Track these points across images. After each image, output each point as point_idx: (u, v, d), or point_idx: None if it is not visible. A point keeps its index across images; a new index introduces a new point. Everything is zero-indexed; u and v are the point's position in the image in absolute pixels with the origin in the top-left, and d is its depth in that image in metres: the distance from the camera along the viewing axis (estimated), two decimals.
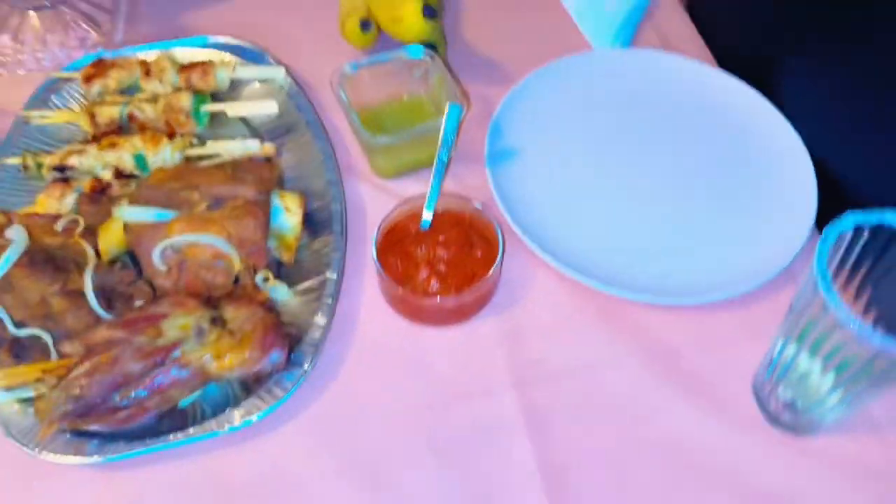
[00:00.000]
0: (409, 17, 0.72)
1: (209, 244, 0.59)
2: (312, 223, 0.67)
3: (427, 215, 0.63)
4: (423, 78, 0.73)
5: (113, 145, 0.66)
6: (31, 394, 0.55)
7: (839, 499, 0.56)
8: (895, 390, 0.59)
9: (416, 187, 0.69)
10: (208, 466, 0.56)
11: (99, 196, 0.65)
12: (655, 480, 0.57)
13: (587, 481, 0.56)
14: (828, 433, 0.58)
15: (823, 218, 0.68)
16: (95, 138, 0.68)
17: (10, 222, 0.61)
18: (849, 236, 0.50)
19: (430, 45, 0.75)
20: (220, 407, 0.57)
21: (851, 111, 0.70)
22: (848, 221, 0.50)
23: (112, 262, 0.61)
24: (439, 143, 0.65)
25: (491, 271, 0.61)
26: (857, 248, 0.51)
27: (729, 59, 0.81)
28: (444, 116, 0.65)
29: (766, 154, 0.74)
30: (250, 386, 0.58)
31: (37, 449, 0.54)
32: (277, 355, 0.57)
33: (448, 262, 0.62)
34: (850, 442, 0.58)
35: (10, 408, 0.55)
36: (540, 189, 0.71)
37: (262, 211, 0.62)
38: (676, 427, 0.59)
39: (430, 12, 0.71)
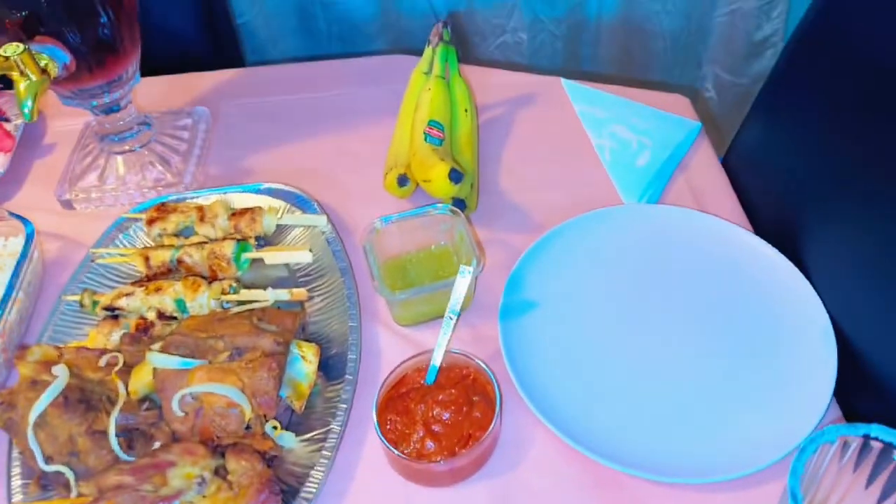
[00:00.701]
0: (437, 181, 0.75)
1: (223, 394, 0.62)
2: (329, 368, 0.69)
3: (431, 372, 0.65)
4: (449, 231, 0.75)
5: (158, 290, 0.71)
6: None
7: None
8: None
9: (434, 337, 0.71)
10: None
11: (141, 335, 0.70)
12: None
13: None
14: None
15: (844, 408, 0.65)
16: (149, 279, 0.74)
17: (60, 357, 0.67)
18: (834, 448, 0.48)
19: (459, 201, 0.77)
20: None
21: (876, 281, 0.66)
22: (830, 433, 0.47)
23: (141, 400, 0.65)
24: (449, 302, 0.66)
25: (484, 437, 0.61)
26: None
27: (760, 218, 0.79)
28: (457, 276, 0.67)
29: (786, 323, 0.70)
30: None
31: None
32: None
33: (445, 422, 0.63)
34: None
35: None
36: (550, 348, 0.71)
37: (278, 363, 0.64)
38: None
39: (456, 177, 0.74)
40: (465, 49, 1.52)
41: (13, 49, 0.65)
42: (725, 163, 0.88)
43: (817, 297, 0.70)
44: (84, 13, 0.73)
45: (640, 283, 0.75)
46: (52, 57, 0.69)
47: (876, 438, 0.47)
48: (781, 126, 0.82)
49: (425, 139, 0.81)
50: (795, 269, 0.72)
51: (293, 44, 1.61)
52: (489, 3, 1.47)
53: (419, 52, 0.88)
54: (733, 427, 0.64)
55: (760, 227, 0.78)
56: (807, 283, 0.71)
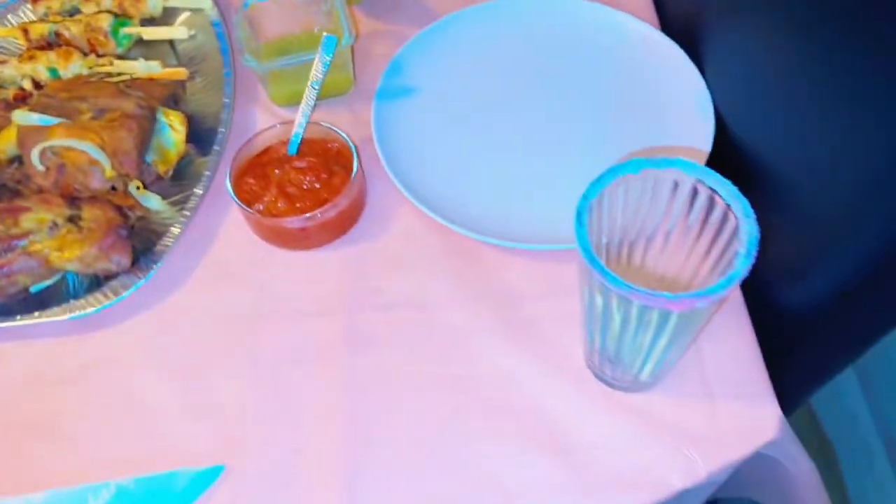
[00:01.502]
0: None
1: (82, 149, 0.62)
2: (202, 142, 0.68)
3: (294, 139, 0.64)
4: (329, 12, 0.72)
5: (31, 58, 0.69)
6: None
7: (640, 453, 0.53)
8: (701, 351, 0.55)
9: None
10: (50, 348, 0.60)
11: (19, 104, 0.69)
12: (461, 415, 0.55)
13: (390, 412, 0.55)
14: (651, 393, 0.55)
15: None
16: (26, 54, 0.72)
17: None
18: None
19: None
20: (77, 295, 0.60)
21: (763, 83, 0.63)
22: (609, 174, 0.45)
23: (11, 161, 0.65)
24: (311, 71, 0.64)
25: (338, 199, 0.60)
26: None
27: (670, 21, 0.75)
28: (320, 46, 0.64)
29: (663, 96, 0.69)
30: (101, 283, 0.61)
31: None
32: (119, 257, 0.59)
33: (301, 187, 0.62)
34: (668, 403, 0.54)
35: None
36: (422, 129, 0.69)
37: (138, 125, 0.63)
38: (499, 368, 0.57)
39: None
40: None
41: None
42: None
43: (702, 82, 0.68)
44: None
45: (525, 70, 0.73)
46: None
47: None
48: None
49: None
50: (686, 58, 0.69)
51: None
52: None
53: None
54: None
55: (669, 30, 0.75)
56: (695, 70, 0.69)
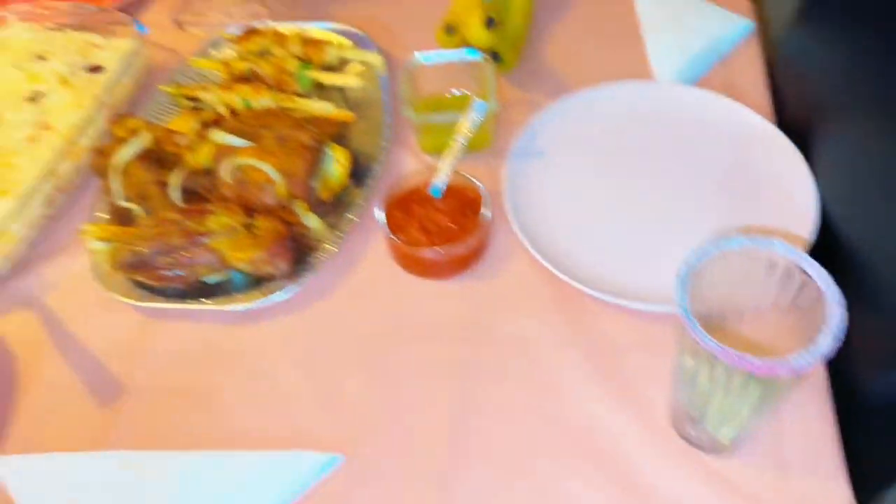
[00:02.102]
0: (473, 26, 0.81)
1: (262, 169, 0.72)
2: (358, 176, 0.78)
3: (439, 183, 0.72)
4: (479, 79, 0.81)
5: (230, 89, 0.82)
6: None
7: None
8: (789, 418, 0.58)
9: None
10: (215, 332, 0.70)
11: (213, 126, 0.82)
12: (547, 448, 0.61)
13: (487, 434, 0.62)
14: (728, 457, 0.59)
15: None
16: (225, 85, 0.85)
17: (145, 128, 0.80)
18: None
19: (494, 53, 0.83)
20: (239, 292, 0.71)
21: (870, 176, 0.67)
22: (711, 247, 0.50)
23: (201, 171, 0.77)
24: (461, 128, 0.73)
25: (468, 239, 0.69)
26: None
27: (788, 119, 0.80)
28: (470, 108, 0.73)
29: (771, 182, 0.74)
30: (261, 283, 0.71)
31: (106, 287, 0.72)
32: (282, 263, 0.69)
33: (439, 225, 0.71)
34: (743, 469, 0.58)
35: (100, 255, 0.73)
36: (547, 188, 0.77)
37: (311, 154, 0.74)
38: (588, 412, 0.62)
39: (490, 23, 0.80)
40: None
41: None
42: (769, 64, 0.88)
43: (810, 174, 0.72)
44: None
45: (644, 144, 0.79)
46: None
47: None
48: (827, 33, 0.81)
49: None
50: (797, 150, 0.74)
51: None
52: None
53: None
54: None
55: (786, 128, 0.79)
56: (804, 162, 0.73)
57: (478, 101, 0.73)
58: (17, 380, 0.69)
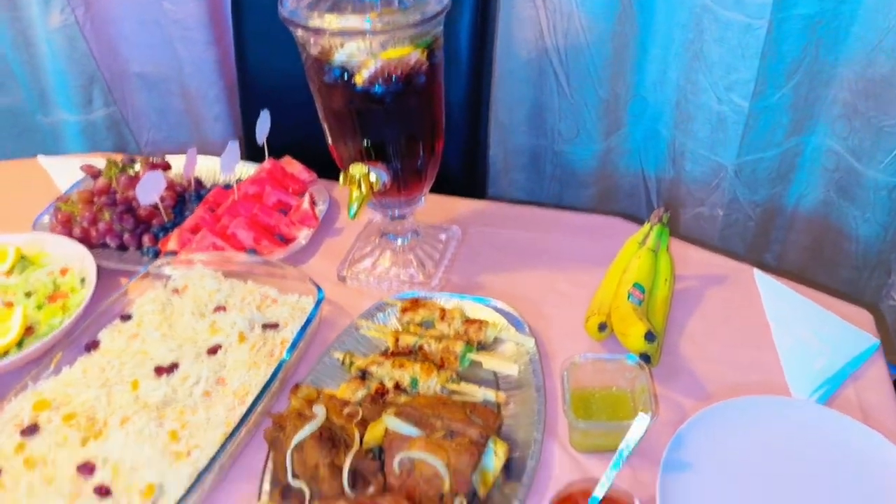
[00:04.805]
0: (634, 337, 0.82)
1: (433, 464, 0.72)
2: (510, 468, 0.77)
3: (599, 495, 0.70)
4: (632, 379, 0.81)
5: (401, 366, 0.84)
6: None
7: None
8: None
9: (599, 466, 0.76)
10: None
11: (379, 398, 0.83)
12: None
13: None
14: None
15: None
16: (393, 354, 0.87)
17: (318, 398, 0.81)
18: None
19: (645, 356, 0.84)
20: None
21: None
22: None
23: (368, 451, 0.77)
24: (623, 443, 0.72)
25: None
26: None
27: None
28: (634, 422, 0.73)
29: None
30: None
31: None
32: None
33: None
34: None
35: None
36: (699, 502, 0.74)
37: (479, 451, 0.73)
38: None
39: (651, 338, 0.81)
40: None
41: (359, 169, 0.83)
42: None
43: None
44: (410, 152, 0.90)
45: (793, 470, 0.76)
46: (378, 176, 0.86)
47: None
48: None
49: (628, 297, 0.89)
50: None
51: (520, 177, 1.77)
52: (695, 178, 1.54)
53: (623, 208, 0.96)
54: None
55: None
56: None
57: (642, 415, 0.73)
58: None
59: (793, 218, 1.55)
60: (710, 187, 1.53)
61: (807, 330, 0.90)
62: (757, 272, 1.00)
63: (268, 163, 1.19)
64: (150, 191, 1.07)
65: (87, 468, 0.74)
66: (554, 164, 1.70)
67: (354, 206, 0.84)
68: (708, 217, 1.58)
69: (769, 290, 0.96)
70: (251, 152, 1.27)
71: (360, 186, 0.83)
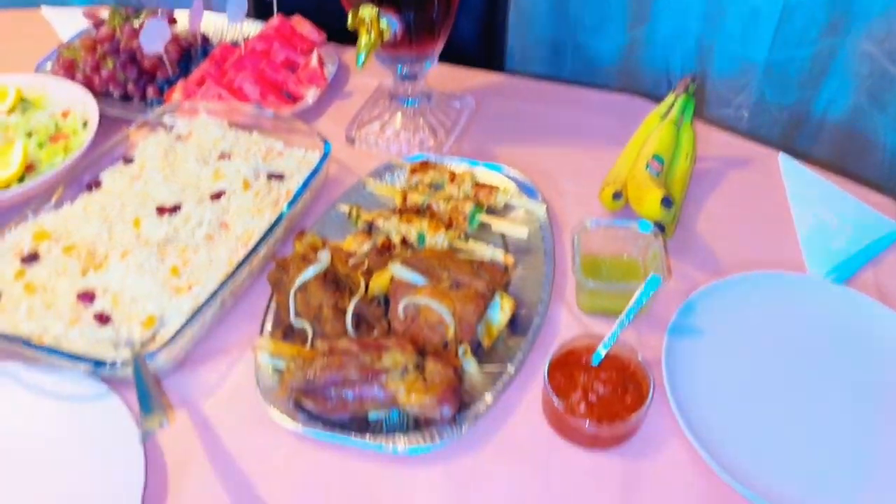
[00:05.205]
0: (650, 202, 0.79)
1: (438, 311, 0.70)
2: (516, 324, 0.75)
3: (600, 353, 0.69)
4: (644, 247, 0.79)
5: (409, 221, 0.81)
6: (282, 365, 0.70)
7: None
8: None
9: (603, 327, 0.75)
10: (364, 470, 0.66)
11: (385, 251, 0.80)
12: None
13: None
14: None
15: None
16: (401, 212, 0.84)
17: (323, 246, 0.79)
18: None
19: (660, 225, 0.81)
20: (394, 430, 0.67)
21: None
22: None
23: (373, 298, 0.75)
24: (631, 301, 0.70)
25: (630, 418, 0.65)
26: None
27: None
28: (644, 283, 0.70)
29: None
30: (421, 424, 0.68)
31: (269, 404, 0.68)
32: (448, 410, 0.66)
33: (601, 396, 0.67)
34: None
35: (266, 370, 0.71)
36: (704, 371, 0.72)
37: (484, 302, 0.72)
38: None
39: (667, 203, 0.78)
40: None
41: (368, 11, 0.77)
42: None
43: None
44: (424, 1, 0.84)
45: (803, 346, 0.74)
46: (389, 24, 0.81)
47: None
48: None
49: (646, 167, 0.85)
50: None
51: (540, 69, 1.69)
52: (724, 75, 1.47)
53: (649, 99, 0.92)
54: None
55: None
56: None
57: (653, 276, 0.70)
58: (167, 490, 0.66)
59: (820, 124, 1.48)
60: (738, 87, 1.46)
61: (828, 210, 0.86)
62: (782, 155, 0.95)
63: (276, 19, 1.13)
64: (154, 38, 1.01)
65: (87, 296, 0.73)
66: (574, 59, 1.62)
67: (363, 54, 0.79)
68: (733, 119, 1.52)
69: (793, 172, 0.92)
70: (260, 11, 1.20)
71: (369, 31, 0.78)
